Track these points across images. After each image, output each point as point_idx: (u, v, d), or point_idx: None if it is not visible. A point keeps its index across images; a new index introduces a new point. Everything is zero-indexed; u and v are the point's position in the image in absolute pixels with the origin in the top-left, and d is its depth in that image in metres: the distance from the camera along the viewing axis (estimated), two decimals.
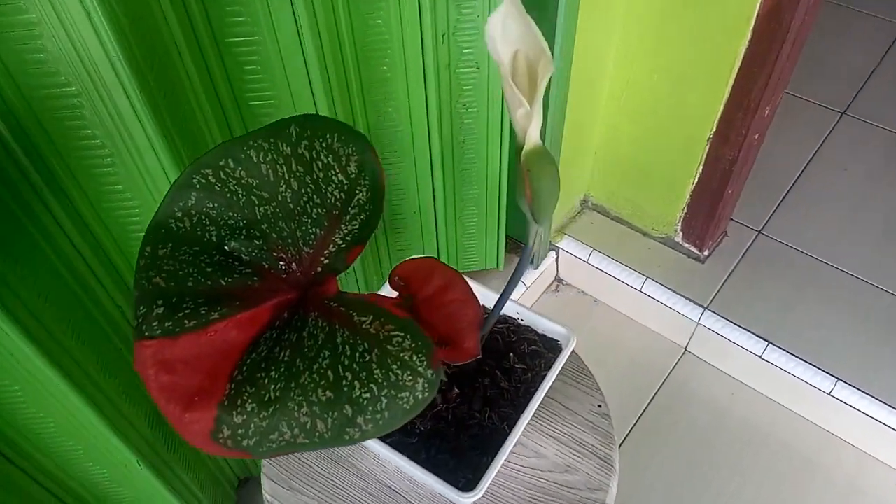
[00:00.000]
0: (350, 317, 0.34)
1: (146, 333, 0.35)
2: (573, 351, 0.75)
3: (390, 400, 0.34)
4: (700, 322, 1.31)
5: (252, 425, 0.34)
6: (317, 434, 0.34)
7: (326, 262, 0.35)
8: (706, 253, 1.39)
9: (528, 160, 0.38)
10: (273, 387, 0.34)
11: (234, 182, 0.37)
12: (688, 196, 1.31)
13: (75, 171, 0.57)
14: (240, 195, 0.37)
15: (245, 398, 0.34)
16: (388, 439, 0.60)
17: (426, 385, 0.34)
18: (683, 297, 1.34)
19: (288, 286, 0.37)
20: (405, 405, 0.34)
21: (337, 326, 0.34)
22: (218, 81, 0.74)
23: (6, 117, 0.51)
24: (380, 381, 0.34)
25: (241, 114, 0.78)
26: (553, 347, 0.64)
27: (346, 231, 0.35)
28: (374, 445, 0.57)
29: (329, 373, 0.34)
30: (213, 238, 0.37)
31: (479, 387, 0.63)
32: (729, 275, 1.38)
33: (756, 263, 1.40)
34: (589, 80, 1.22)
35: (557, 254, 1.47)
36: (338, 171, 0.35)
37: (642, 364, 1.35)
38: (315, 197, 0.35)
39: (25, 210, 0.56)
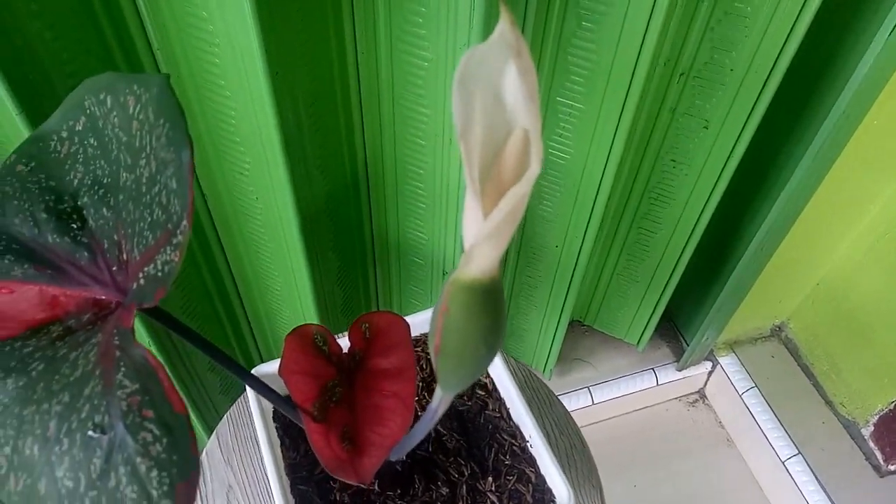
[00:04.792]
0: (115, 369, 0.24)
1: None
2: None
3: None
4: None
5: None
6: (6, 489, 0.25)
7: (142, 281, 0.25)
8: (892, 468, 1.06)
9: (455, 296, 0.24)
10: (0, 398, 0.25)
11: (111, 127, 0.27)
12: None
13: None
14: (114, 145, 0.28)
15: None
16: (301, 484, 0.49)
17: None
18: (833, 502, 1.04)
19: (110, 284, 0.28)
20: None
21: (98, 372, 0.24)
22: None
23: None
24: (93, 474, 0.23)
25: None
26: (542, 502, 0.48)
27: (167, 257, 0.24)
28: (274, 479, 0.47)
29: (52, 423, 0.24)
30: (75, 181, 0.29)
31: (433, 492, 0.49)
32: None
33: None
34: (845, 196, 0.95)
35: (713, 367, 1.22)
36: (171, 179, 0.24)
37: None
38: (163, 194, 0.25)
39: None
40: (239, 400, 0.67)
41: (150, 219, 0.25)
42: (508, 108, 0.21)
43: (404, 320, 0.40)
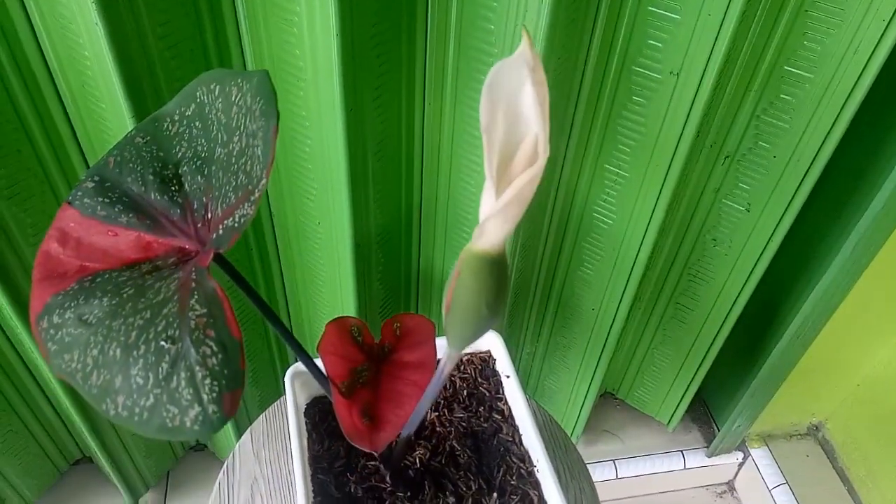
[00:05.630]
0: (189, 295, 0.29)
1: (69, 199, 0.35)
2: None
3: (157, 403, 0.28)
4: None
5: (60, 333, 0.32)
6: (88, 383, 0.30)
7: (221, 232, 0.31)
8: None
9: (467, 263, 0.28)
10: (95, 312, 0.31)
11: (215, 112, 0.34)
12: None
13: None
14: (214, 127, 0.34)
15: (72, 305, 0.32)
16: (321, 475, 0.53)
17: (199, 418, 0.28)
18: None
19: (193, 237, 0.34)
20: (167, 421, 0.28)
21: (175, 298, 0.30)
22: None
23: None
24: (160, 376, 0.28)
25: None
26: None
27: (244, 212, 0.30)
28: (298, 465, 0.51)
29: (134, 333, 0.30)
30: (179, 154, 0.35)
31: (440, 500, 0.52)
32: None
33: None
34: (887, 295, 0.96)
35: (744, 459, 1.20)
36: (257, 147, 0.30)
37: None
38: (248, 163, 0.31)
39: None
40: (275, 403, 0.72)
41: (234, 183, 0.32)
42: (524, 116, 0.26)
43: (432, 322, 0.45)
